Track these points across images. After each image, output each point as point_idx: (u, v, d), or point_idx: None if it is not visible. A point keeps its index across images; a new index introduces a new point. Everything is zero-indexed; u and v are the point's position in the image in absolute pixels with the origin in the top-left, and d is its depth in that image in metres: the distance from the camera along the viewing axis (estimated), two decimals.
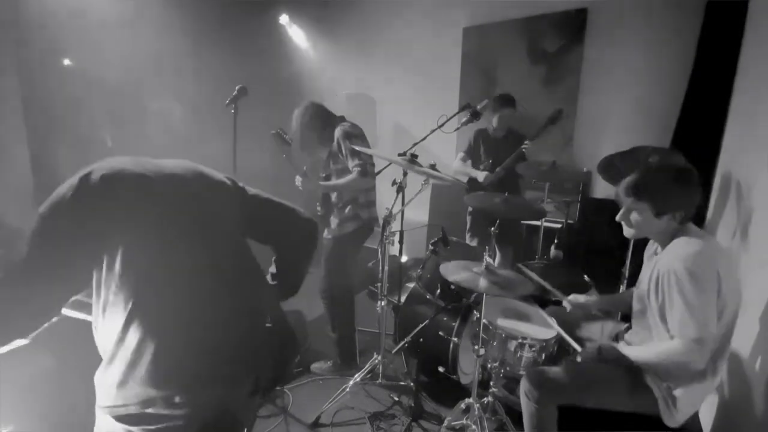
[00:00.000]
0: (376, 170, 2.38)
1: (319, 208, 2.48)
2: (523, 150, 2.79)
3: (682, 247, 1.40)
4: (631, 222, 1.50)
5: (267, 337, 1.12)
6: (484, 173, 2.92)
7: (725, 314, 1.38)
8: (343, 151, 2.32)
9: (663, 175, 1.44)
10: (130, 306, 0.92)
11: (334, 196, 2.47)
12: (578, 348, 1.63)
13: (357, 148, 2.24)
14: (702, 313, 1.31)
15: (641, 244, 1.70)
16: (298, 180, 2.34)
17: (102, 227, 0.93)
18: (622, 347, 1.52)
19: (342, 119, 2.45)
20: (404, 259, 2.99)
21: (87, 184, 0.92)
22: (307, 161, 2.45)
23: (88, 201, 0.92)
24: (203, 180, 1.12)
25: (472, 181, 3.04)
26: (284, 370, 1.21)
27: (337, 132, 2.35)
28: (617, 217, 1.54)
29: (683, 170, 1.46)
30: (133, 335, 0.93)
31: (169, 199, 1.03)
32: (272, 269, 1.31)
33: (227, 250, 1.10)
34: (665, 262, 1.41)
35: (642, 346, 1.51)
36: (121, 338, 0.93)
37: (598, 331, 1.88)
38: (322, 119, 2.42)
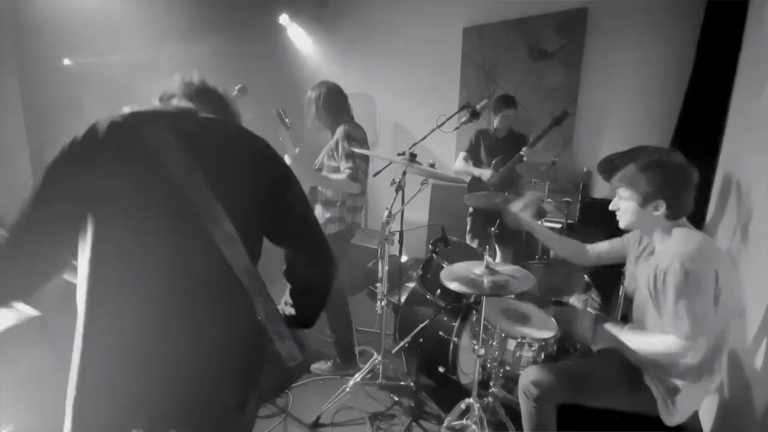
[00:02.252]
0: (376, 171, 2.37)
1: None
2: (522, 155, 2.78)
3: (681, 243, 1.40)
4: (621, 210, 1.54)
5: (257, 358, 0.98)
6: (489, 172, 2.92)
7: (721, 313, 1.38)
8: (339, 151, 2.32)
9: (649, 165, 1.47)
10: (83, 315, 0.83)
11: (324, 192, 2.44)
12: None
13: (357, 150, 2.24)
14: (697, 311, 1.31)
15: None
16: (287, 160, 2.28)
17: (80, 189, 0.83)
18: (618, 331, 1.52)
19: (350, 119, 2.44)
20: (404, 259, 2.98)
21: (88, 133, 0.86)
22: (301, 143, 2.42)
23: (77, 154, 0.85)
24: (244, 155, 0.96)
25: (474, 180, 3.03)
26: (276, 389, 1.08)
27: (339, 131, 2.34)
28: (611, 205, 1.58)
29: (672, 163, 1.49)
30: (77, 354, 0.82)
31: (164, 173, 0.85)
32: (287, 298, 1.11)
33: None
34: (663, 259, 1.41)
35: (638, 335, 1.50)
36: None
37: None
38: (335, 105, 2.41)
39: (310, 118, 2.43)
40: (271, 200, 0.98)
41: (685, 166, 1.47)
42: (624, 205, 1.52)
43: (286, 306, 1.07)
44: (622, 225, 1.56)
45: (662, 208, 1.44)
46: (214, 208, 0.85)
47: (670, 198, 1.42)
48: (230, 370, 0.93)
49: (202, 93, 1.04)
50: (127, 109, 0.90)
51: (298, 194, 1.04)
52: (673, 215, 1.45)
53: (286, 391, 2.35)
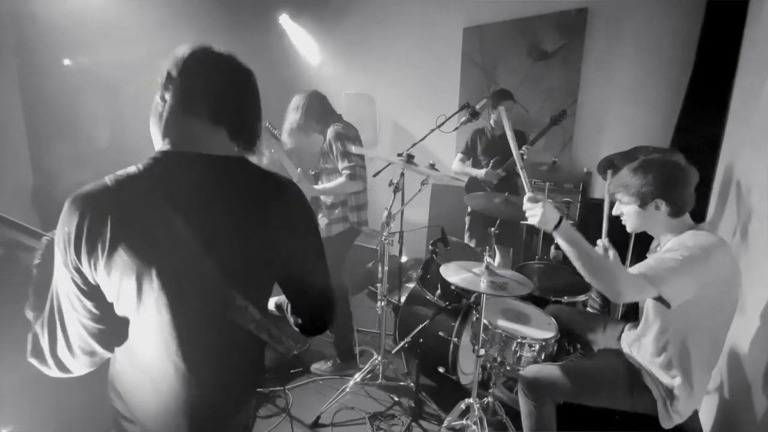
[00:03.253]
0: (376, 171, 2.38)
1: None
2: (522, 154, 2.77)
3: (700, 237, 1.40)
4: (623, 215, 1.54)
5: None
6: (485, 169, 2.91)
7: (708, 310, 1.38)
8: (334, 152, 2.32)
9: (640, 166, 1.48)
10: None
11: (323, 196, 2.45)
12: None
13: (355, 149, 2.24)
14: (669, 265, 1.31)
15: (641, 244, 1.70)
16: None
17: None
18: (574, 233, 1.33)
19: (338, 118, 2.43)
20: (404, 259, 2.99)
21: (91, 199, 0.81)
22: (298, 153, 2.41)
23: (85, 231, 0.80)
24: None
25: (472, 180, 3.03)
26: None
27: (330, 132, 2.34)
28: (614, 211, 1.59)
29: (661, 161, 1.49)
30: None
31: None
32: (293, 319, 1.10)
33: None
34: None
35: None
36: None
37: (599, 332, 1.88)
38: (320, 110, 2.39)
39: (294, 127, 2.37)
40: (300, 270, 0.98)
41: (675, 162, 1.48)
42: (626, 210, 1.52)
43: (290, 316, 1.08)
44: (629, 229, 1.55)
45: (663, 206, 1.43)
46: (227, 291, 0.86)
47: (667, 195, 1.43)
48: (238, 373, 0.99)
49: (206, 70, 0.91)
50: (123, 172, 0.82)
51: (321, 261, 1.01)
52: (676, 212, 1.44)
53: (286, 390, 2.36)
